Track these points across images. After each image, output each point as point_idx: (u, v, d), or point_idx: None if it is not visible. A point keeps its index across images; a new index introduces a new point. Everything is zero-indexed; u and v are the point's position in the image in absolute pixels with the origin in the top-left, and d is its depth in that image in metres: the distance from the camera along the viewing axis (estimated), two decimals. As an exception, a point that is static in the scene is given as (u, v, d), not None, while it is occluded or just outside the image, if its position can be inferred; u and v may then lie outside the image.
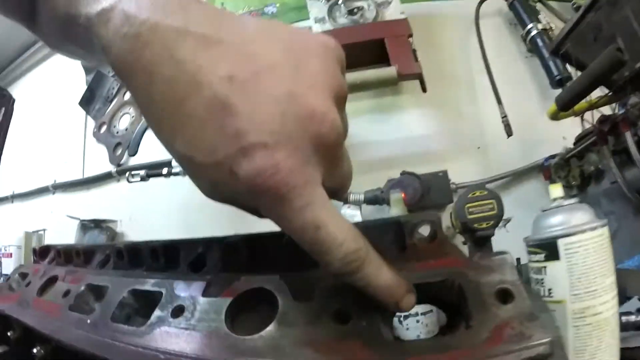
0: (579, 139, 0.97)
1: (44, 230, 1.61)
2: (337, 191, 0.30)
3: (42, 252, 0.57)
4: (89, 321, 0.36)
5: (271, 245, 0.34)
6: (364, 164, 1.14)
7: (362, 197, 1.02)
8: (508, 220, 0.94)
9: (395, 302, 0.27)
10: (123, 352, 0.30)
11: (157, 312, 0.33)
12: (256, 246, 0.35)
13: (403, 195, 0.94)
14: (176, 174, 1.16)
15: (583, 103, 0.90)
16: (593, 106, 0.89)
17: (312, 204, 0.24)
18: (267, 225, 0.29)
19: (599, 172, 0.92)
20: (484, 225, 0.58)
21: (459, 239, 0.73)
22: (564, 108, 0.89)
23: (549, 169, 1.05)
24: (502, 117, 1.05)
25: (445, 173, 1.03)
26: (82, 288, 0.41)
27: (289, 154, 0.22)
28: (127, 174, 1.21)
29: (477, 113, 1.19)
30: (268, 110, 0.22)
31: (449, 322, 0.32)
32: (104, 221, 1.44)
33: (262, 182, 0.22)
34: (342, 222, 0.25)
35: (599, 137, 0.90)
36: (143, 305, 0.36)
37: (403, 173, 1.00)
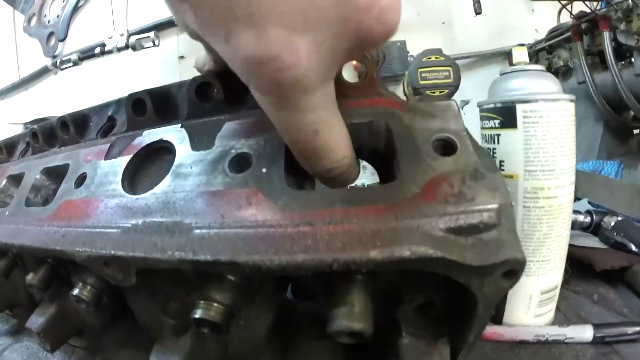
0: (552, 32, 0.92)
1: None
2: None
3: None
4: (7, 213, 0.33)
5: (179, 94, 0.30)
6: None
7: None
8: (467, 102, 0.91)
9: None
10: (28, 233, 0.28)
11: (63, 185, 0.31)
12: (163, 98, 0.30)
13: (355, 61, 0.86)
14: (109, 52, 1.04)
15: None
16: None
17: (319, 106, 0.19)
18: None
19: (567, 69, 0.87)
20: (437, 94, 0.52)
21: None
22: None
23: (516, 57, 1.01)
24: (473, -7, 0.95)
25: (403, 44, 0.95)
26: (4, 182, 0.39)
27: (314, 46, 0.16)
28: (58, 61, 1.06)
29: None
30: None
31: (381, 181, 0.27)
32: (45, 119, 1.32)
33: (270, 72, 0.16)
34: (341, 127, 0.21)
35: (574, 32, 0.84)
36: (58, 184, 0.33)
37: (357, 38, 0.91)
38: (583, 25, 0.82)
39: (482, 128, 0.35)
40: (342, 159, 0.21)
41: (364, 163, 0.28)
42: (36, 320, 0.32)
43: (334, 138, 0.20)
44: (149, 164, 0.28)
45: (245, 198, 0.20)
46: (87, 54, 1.10)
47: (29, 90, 1.43)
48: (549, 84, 0.34)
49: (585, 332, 0.34)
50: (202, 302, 0.20)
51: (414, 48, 0.96)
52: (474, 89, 1.00)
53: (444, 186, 0.19)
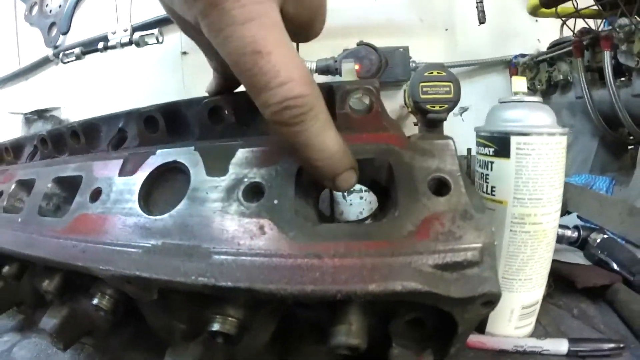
0: (554, 45, 0.92)
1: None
2: (305, 26, 0.24)
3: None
4: (19, 220, 0.34)
5: (189, 112, 0.31)
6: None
7: (313, 65, 0.93)
8: (465, 109, 0.92)
9: (332, 177, 0.23)
10: (45, 245, 0.29)
11: (77, 198, 0.31)
12: (174, 115, 0.32)
13: (357, 66, 0.84)
14: (113, 47, 1.03)
15: (568, 7, 0.83)
16: (577, 14, 0.82)
17: (256, 20, 0.19)
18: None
19: (566, 83, 0.89)
20: (437, 108, 0.55)
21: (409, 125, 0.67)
22: (547, 4, 0.81)
23: (517, 67, 1.01)
24: (478, 2, 0.95)
25: (406, 49, 0.95)
26: (13, 186, 0.40)
27: None
28: (61, 54, 1.06)
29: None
30: None
31: (381, 207, 0.29)
32: (46, 110, 1.31)
33: None
34: (291, 55, 0.20)
35: (575, 48, 0.86)
36: (69, 193, 0.34)
37: (360, 44, 0.90)
38: (585, 42, 0.83)
39: (478, 153, 0.37)
40: (297, 96, 0.20)
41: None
42: (49, 322, 0.32)
43: (282, 63, 0.19)
44: (163, 182, 0.29)
45: (258, 227, 0.22)
46: (90, 49, 1.09)
47: (29, 80, 1.40)
48: (545, 117, 0.35)
49: (561, 346, 0.36)
50: (217, 316, 0.22)
51: (417, 54, 0.97)
52: (474, 96, 1.03)
53: (436, 225, 0.21)
